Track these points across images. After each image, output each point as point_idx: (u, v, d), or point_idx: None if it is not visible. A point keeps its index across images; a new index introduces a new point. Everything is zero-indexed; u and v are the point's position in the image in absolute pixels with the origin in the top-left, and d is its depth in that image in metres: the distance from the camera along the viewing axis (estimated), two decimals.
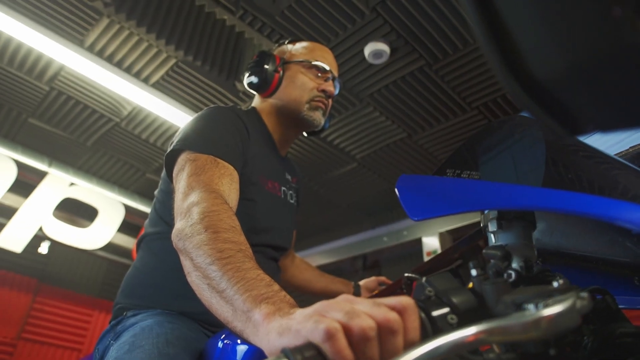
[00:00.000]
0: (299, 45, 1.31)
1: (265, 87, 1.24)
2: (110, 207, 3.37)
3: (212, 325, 1.00)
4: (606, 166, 0.64)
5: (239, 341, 0.76)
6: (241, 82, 2.20)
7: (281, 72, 1.24)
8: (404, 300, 0.47)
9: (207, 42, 2.13)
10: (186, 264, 0.77)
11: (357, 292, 1.53)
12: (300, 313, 0.51)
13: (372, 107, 2.39)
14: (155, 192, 1.23)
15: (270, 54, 1.26)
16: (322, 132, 1.37)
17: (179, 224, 0.84)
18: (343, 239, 3.64)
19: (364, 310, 0.46)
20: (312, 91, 1.22)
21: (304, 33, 1.95)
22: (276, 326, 0.52)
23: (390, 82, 2.20)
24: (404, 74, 2.14)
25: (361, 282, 1.56)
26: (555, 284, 0.46)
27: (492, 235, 0.64)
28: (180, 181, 0.95)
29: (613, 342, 0.52)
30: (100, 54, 2.18)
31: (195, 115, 1.14)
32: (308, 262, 1.63)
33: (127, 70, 2.26)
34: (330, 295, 1.42)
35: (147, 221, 1.20)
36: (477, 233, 0.86)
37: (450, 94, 2.24)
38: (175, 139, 1.06)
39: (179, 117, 2.50)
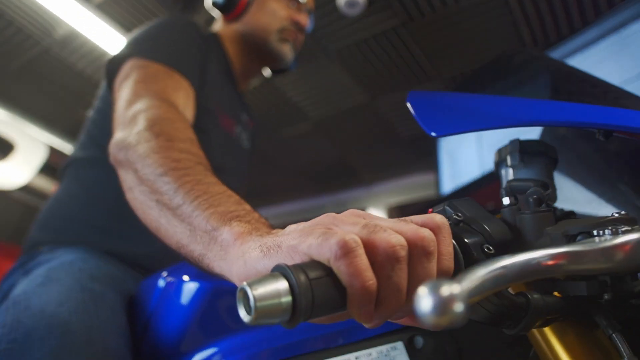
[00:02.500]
0: None
1: (231, 7, 1.09)
2: (31, 144, 3.00)
3: (147, 269, 0.85)
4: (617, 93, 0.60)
5: (186, 277, 0.63)
6: (200, 13, 1.98)
7: None
8: (437, 218, 0.36)
9: None
10: (127, 179, 0.62)
11: None
12: (294, 229, 0.38)
13: (338, 63, 2.26)
14: (89, 114, 1.04)
15: None
16: (285, 72, 1.26)
17: (120, 134, 0.68)
18: (285, 204, 3.53)
19: (387, 225, 0.35)
20: (284, 20, 1.10)
21: None
22: (256, 245, 0.40)
23: (361, 39, 2.08)
24: (376, 32, 2.03)
25: None
26: (614, 214, 0.37)
27: (510, 171, 0.56)
28: (124, 89, 0.79)
29: (631, 301, 0.46)
30: None
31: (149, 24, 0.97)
32: None
33: None
34: None
35: (75, 145, 1.02)
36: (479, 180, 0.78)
37: (421, 60, 2.16)
38: (123, 46, 0.89)
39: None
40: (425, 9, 1.89)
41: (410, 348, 0.53)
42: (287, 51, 1.13)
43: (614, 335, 0.37)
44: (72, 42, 2.33)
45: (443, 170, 1.89)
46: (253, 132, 1.23)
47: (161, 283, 0.66)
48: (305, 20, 1.14)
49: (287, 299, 0.30)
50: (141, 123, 0.66)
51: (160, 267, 0.71)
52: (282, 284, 0.30)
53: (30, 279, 0.72)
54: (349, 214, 0.38)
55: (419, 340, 0.53)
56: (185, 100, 0.82)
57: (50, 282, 0.67)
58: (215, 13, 1.14)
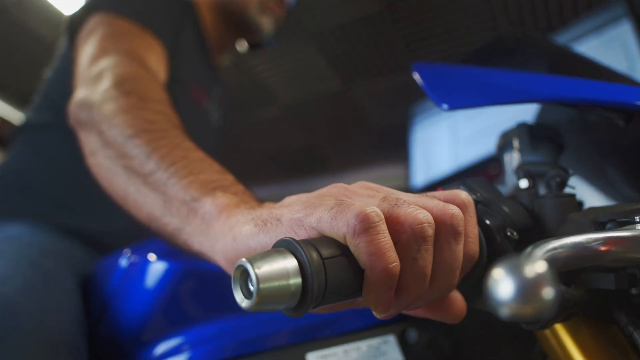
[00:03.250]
0: None
1: None
2: None
3: (107, 248, 0.77)
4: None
5: (152, 256, 0.56)
6: None
7: None
8: (463, 195, 0.31)
9: None
10: (90, 142, 0.54)
11: None
12: (296, 200, 0.32)
13: (315, 47, 2.19)
14: (46, 76, 0.94)
15: None
16: (261, 48, 1.19)
17: (82, 92, 0.60)
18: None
19: (410, 199, 0.30)
20: None
21: None
22: (247, 219, 0.34)
23: (341, 23, 2.02)
24: (357, 17, 1.97)
25: None
26: None
27: (516, 155, 0.52)
28: (88, 45, 0.70)
29: None
30: None
31: None
32: None
33: None
34: None
35: (28, 110, 0.92)
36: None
37: (399, 49, 2.12)
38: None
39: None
40: None
41: (402, 342, 0.48)
42: (267, 25, 1.07)
43: (635, 333, 0.34)
44: (32, 3, 2.14)
45: (415, 162, 1.87)
46: (225, 110, 1.16)
47: (123, 262, 0.58)
48: None
49: (297, 280, 0.24)
50: (108, 80, 0.58)
51: (122, 245, 0.64)
52: (290, 262, 0.24)
53: None
54: (361, 185, 0.33)
55: (412, 334, 0.49)
56: (157, 62, 0.74)
57: None
58: None
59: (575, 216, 0.35)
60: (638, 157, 0.51)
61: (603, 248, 0.27)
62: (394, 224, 0.27)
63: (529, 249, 0.23)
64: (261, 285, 0.23)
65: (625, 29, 1.20)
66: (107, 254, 0.67)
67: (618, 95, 0.40)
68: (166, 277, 0.55)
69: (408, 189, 1.88)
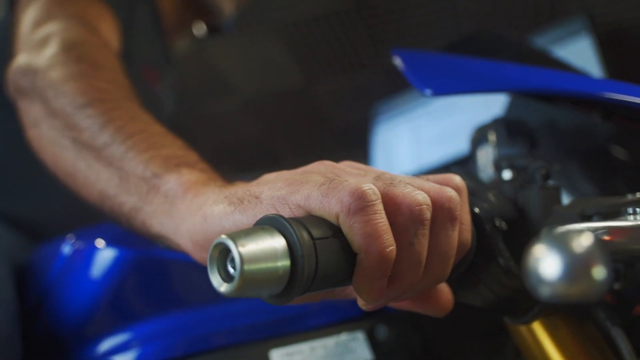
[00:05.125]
0: None
1: None
2: None
3: (40, 234, 0.70)
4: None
5: (99, 242, 0.51)
6: None
7: None
8: (457, 179, 0.29)
9: None
10: (32, 111, 0.49)
11: None
12: (276, 177, 0.29)
13: (279, 39, 2.14)
14: None
15: None
16: (218, 32, 1.16)
17: (24, 57, 0.54)
18: None
19: (405, 179, 0.27)
20: None
21: None
22: (219, 197, 0.30)
23: (308, 18, 1.99)
24: (325, 12, 1.95)
25: None
26: (629, 196, 0.34)
27: (491, 149, 0.52)
28: (32, 8, 0.64)
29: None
30: None
31: None
32: None
33: None
34: None
35: None
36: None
37: (365, 49, 2.12)
38: None
39: None
40: None
41: (372, 338, 0.46)
42: (227, 5, 1.02)
43: (612, 330, 0.34)
44: None
45: (376, 163, 1.88)
46: (177, 96, 1.11)
47: (66, 249, 0.52)
48: None
49: (285, 262, 0.21)
50: (55, 44, 0.52)
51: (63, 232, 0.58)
52: (278, 242, 0.21)
53: None
54: (348, 164, 0.30)
55: (382, 331, 0.46)
56: (109, 32, 0.68)
57: None
58: None
59: (560, 208, 0.35)
60: (604, 156, 0.52)
61: (607, 238, 0.25)
62: (390, 205, 0.25)
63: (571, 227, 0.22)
64: (245, 267, 0.20)
65: (585, 43, 1.25)
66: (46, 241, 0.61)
67: (602, 89, 0.40)
68: (115, 265, 0.50)
69: None
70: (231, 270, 0.20)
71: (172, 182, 0.34)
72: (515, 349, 0.40)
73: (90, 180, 0.42)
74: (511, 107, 0.67)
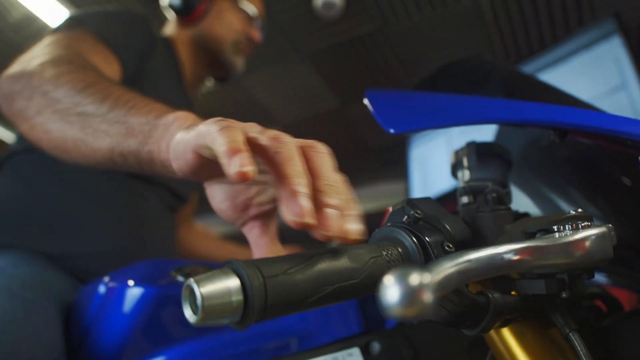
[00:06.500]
0: None
1: (188, 12, 1.09)
2: None
3: (87, 272, 0.78)
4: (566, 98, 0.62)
5: (130, 282, 0.58)
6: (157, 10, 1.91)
7: (209, 3, 1.12)
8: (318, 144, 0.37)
9: None
10: (31, 105, 0.57)
11: None
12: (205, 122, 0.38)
13: (310, 65, 2.23)
14: None
15: None
16: (228, 82, 1.29)
17: (14, 67, 0.62)
18: None
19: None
20: (239, 34, 1.14)
21: None
22: (187, 124, 0.40)
23: (336, 43, 2.07)
24: (352, 36, 2.02)
25: None
26: (572, 212, 0.36)
27: (466, 172, 0.55)
28: (34, 48, 0.71)
29: (582, 302, 0.48)
30: None
31: None
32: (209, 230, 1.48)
33: None
34: None
35: (14, 140, 0.94)
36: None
37: (394, 67, 2.16)
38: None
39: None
40: (402, 15, 1.90)
41: (366, 354, 0.50)
42: (240, 63, 1.16)
43: (570, 334, 0.36)
44: (27, 27, 2.21)
45: (413, 179, 1.89)
46: None
47: (102, 289, 0.60)
48: (259, 37, 1.18)
49: (239, 297, 0.27)
50: (44, 56, 0.61)
51: (105, 269, 0.66)
52: (233, 282, 0.27)
53: None
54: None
55: (375, 346, 0.50)
56: (111, 73, 0.76)
57: None
58: (170, 15, 1.14)
59: (509, 228, 0.37)
60: (573, 171, 0.54)
61: (516, 258, 0.29)
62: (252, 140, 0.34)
63: (439, 261, 0.25)
64: (205, 303, 0.25)
65: (616, 43, 1.22)
66: (89, 280, 0.69)
67: (550, 115, 0.42)
68: (143, 301, 0.57)
69: None
70: (198, 304, 0.26)
71: (169, 118, 0.43)
72: (493, 358, 0.42)
73: (98, 141, 0.48)
74: (504, 127, 0.69)
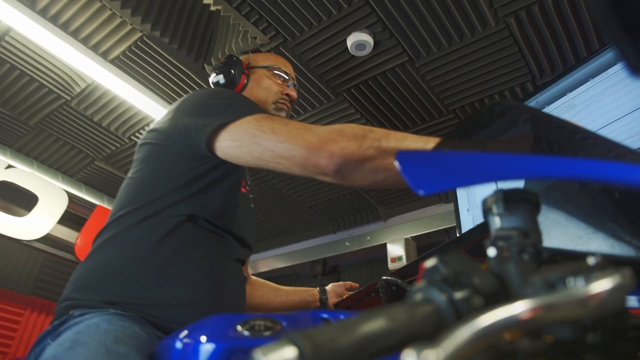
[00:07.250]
0: (261, 55, 1.44)
1: (232, 85, 1.32)
2: (52, 195, 3.07)
3: (169, 322, 0.87)
4: (603, 144, 0.61)
5: (203, 338, 0.63)
6: (211, 64, 2.04)
7: (247, 74, 1.35)
8: None
9: (177, 17, 1.97)
10: (372, 163, 0.83)
11: (323, 298, 1.50)
12: None
13: (348, 102, 2.29)
14: (130, 174, 1.09)
15: (237, 58, 1.37)
16: None
17: (333, 148, 0.84)
18: (303, 242, 3.51)
19: None
20: (277, 94, 1.34)
21: (286, 15, 1.83)
22: None
23: (369, 77, 2.12)
24: (385, 69, 2.06)
25: (328, 287, 1.53)
26: (591, 261, 0.38)
27: (496, 219, 0.57)
28: (275, 134, 0.90)
29: (623, 335, 0.46)
30: (54, 19, 1.96)
31: (192, 97, 1.10)
32: (264, 278, 1.59)
33: (84, 41, 2.04)
34: (292, 307, 1.47)
35: (115, 208, 1.04)
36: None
37: (429, 94, 2.18)
38: (201, 119, 0.99)
39: (138, 99, 2.29)
40: (433, 46, 1.93)
41: None
42: (283, 117, 1.31)
43: None
44: (91, 96, 2.41)
45: (460, 201, 1.88)
46: (254, 194, 1.37)
47: (178, 344, 0.65)
48: (295, 93, 1.38)
49: None
50: (353, 136, 0.85)
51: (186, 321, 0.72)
52: (291, 351, 0.31)
53: (58, 342, 0.75)
54: None
55: None
56: None
57: (77, 346, 0.69)
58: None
59: (533, 278, 0.39)
60: (606, 204, 0.54)
61: (529, 316, 0.31)
62: None
63: (447, 334, 0.28)
64: None
65: None
66: (169, 330, 0.76)
67: (575, 172, 0.44)
68: (215, 356, 0.61)
69: (453, 233, 1.88)
70: None
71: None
72: None
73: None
74: None
